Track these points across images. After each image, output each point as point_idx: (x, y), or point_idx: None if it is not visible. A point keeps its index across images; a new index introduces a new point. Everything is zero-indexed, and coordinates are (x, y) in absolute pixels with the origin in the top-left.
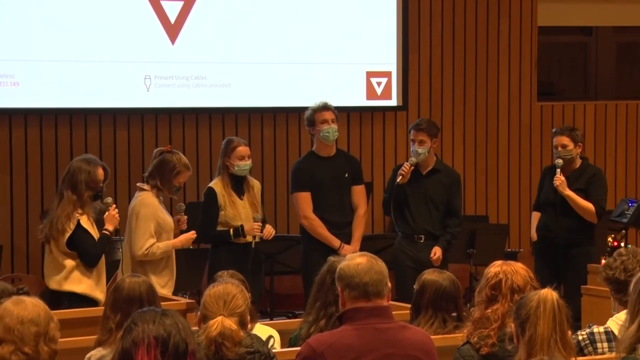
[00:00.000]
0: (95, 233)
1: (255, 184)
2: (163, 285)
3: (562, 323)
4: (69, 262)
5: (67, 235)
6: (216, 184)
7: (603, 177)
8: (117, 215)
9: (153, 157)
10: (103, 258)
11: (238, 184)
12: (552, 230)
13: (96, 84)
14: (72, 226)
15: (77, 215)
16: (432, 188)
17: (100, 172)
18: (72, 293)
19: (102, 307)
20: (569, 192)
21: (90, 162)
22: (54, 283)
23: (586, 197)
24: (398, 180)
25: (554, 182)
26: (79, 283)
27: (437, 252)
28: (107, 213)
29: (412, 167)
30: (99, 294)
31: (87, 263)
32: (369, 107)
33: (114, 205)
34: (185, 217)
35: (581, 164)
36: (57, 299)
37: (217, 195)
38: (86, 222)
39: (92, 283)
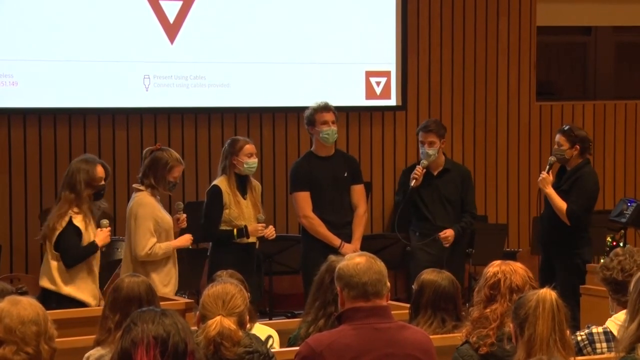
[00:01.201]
0: (87, 235)
1: (257, 185)
2: (166, 284)
3: (561, 323)
4: (59, 262)
5: (57, 232)
6: (221, 182)
7: (589, 181)
8: (108, 237)
9: (143, 157)
10: (96, 262)
11: (242, 184)
12: (541, 229)
13: (95, 83)
14: (64, 223)
15: (72, 213)
16: (444, 187)
17: (99, 169)
18: (57, 293)
19: (99, 307)
20: (548, 190)
21: (89, 161)
22: (42, 281)
23: (565, 198)
24: (412, 184)
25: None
26: (65, 284)
27: (447, 232)
28: (100, 229)
29: (424, 170)
30: (88, 297)
31: (65, 263)
32: (368, 107)
33: (109, 228)
34: (185, 215)
35: (577, 164)
36: (47, 297)
37: (222, 193)
38: (80, 222)
39: (79, 285)
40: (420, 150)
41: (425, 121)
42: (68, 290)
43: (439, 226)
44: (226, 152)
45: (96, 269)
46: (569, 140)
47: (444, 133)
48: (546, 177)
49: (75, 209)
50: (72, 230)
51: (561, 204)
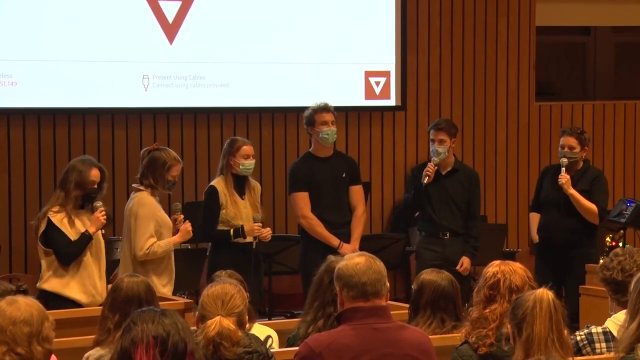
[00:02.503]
0: (72, 232)
1: (256, 185)
2: (164, 284)
3: (558, 322)
4: (46, 259)
5: (40, 231)
6: (218, 182)
7: (605, 180)
8: (102, 219)
9: (141, 157)
10: (88, 257)
11: (240, 184)
12: (553, 231)
13: (94, 83)
14: (44, 224)
15: (51, 213)
16: (451, 188)
17: (93, 172)
18: (43, 290)
19: (97, 307)
20: (573, 191)
21: (85, 162)
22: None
23: (589, 199)
24: (424, 180)
25: (559, 180)
26: (49, 280)
27: (464, 263)
28: (94, 215)
29: (436, 167)
30: (76, 294)
31: (61, 261)
32: (368, 107)
33: (102, 209)
34: (182, 216)
35: (583, 165)
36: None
37: (218, 193)
38: (59, 221)
39: (64, 281)
40: (431, 149)
41: (437, 119)
42: (52, 286)
43: (443, 225)
44: (225, 152)
45: (92, 262)
46: (581, 143)
47: (455, 132)
48: (569, 179)
49: (55, 208)
50: (54, 229)
51: (590, 205)
